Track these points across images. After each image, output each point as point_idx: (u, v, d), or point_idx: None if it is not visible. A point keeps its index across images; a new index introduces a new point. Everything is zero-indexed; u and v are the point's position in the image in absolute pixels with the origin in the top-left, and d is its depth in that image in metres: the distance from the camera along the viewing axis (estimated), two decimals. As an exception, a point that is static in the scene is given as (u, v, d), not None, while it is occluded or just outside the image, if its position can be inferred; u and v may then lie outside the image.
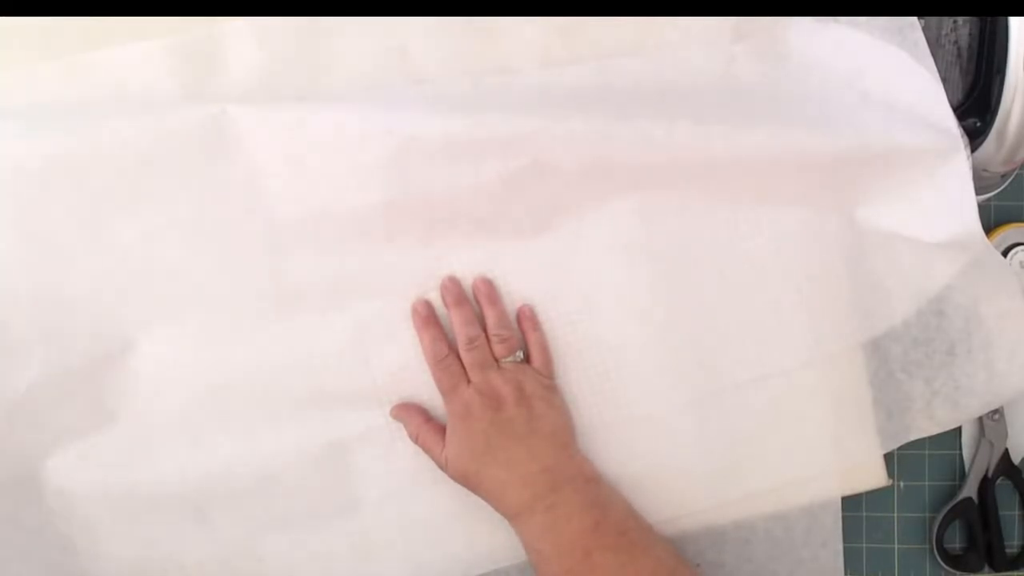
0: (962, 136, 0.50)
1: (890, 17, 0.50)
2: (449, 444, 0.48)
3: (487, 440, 0.47)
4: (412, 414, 0.49)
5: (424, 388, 0.50)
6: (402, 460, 0.51)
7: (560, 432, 0.48)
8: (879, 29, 0.50)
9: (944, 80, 0.50)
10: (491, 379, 0.48)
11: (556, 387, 0.50)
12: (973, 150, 0.52)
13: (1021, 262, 0.59)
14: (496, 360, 0.49)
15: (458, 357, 0.49)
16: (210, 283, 0.49)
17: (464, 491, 0.49)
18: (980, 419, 0.58)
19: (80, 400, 0.49)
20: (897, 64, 0.50)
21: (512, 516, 0.47)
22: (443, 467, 0.48)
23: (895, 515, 0.60)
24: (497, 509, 0.47)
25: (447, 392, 0.49)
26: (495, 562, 0.51)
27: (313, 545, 0.51)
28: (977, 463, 0.59)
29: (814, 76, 0.51)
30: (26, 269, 0.48)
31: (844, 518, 0.53)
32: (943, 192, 0.50)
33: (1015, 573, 0.59)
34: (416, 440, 0.49)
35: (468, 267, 0.51)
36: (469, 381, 0.48)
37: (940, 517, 0.59)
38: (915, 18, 0.50)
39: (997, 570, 0.59)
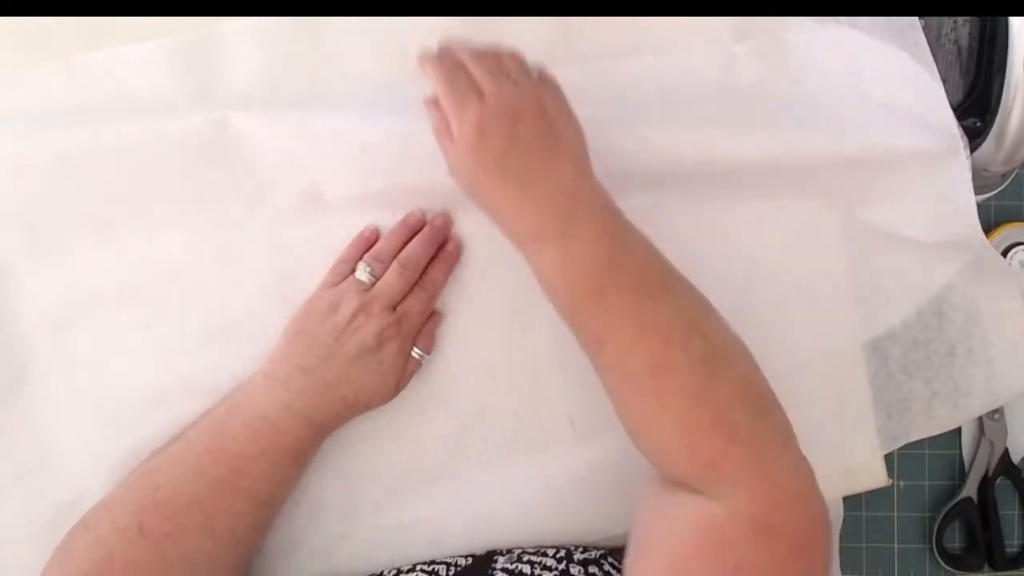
0: (962, 136, 0.50)
1: (890, 17, 0.50)
2: (460, 161, 0.43)
3: (503, 158, 0.41)
4: (434, 108, 0.44)
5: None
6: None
7: (581, 155, 0.43)
8: (879, 29, 0.50)
9: (944, 80, 0.50)
10: (507, 91, 0.42)
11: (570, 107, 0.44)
12: (973, 150, 0.52)
13: (1021, 262, 0.59)
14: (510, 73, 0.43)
15: (468, 73, 0.43)
16: (211, 283, 0.49)
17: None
18: (980, 419, 0.58)
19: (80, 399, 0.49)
20: (897, 65, 0.50)
21: (524, 243, 0.43)
22: (454, 177, 0.44)
23: (895, 515, 0.60)
24: (507, 234, 0.44)
25: (455, 109, 0.42)
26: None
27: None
28: (977, 463, 0.59)
29: (814, 76, 0.51)
30: (30, 267, 0.48)
31: (844, 518, 0.53)
32: (943, 192, 0.50)
33: (1015, 573, 0.59)
34: (436, 135, 0.44)
35: (467, 266, 0.51)
36: (481, 96, 0.42)
37: (940, 517, 0.59)
38: (915, 19, 0.50)
39: (997, 570, 0.59)
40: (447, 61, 0.43)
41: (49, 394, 0.49)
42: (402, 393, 0.50)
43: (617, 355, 0.41)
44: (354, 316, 0.46)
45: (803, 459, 0.40)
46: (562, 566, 0.45)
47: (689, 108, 0.51)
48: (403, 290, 0.48)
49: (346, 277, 0.49)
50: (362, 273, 0.48)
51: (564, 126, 0.43)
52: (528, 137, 0.42)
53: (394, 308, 0.48)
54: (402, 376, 0.49)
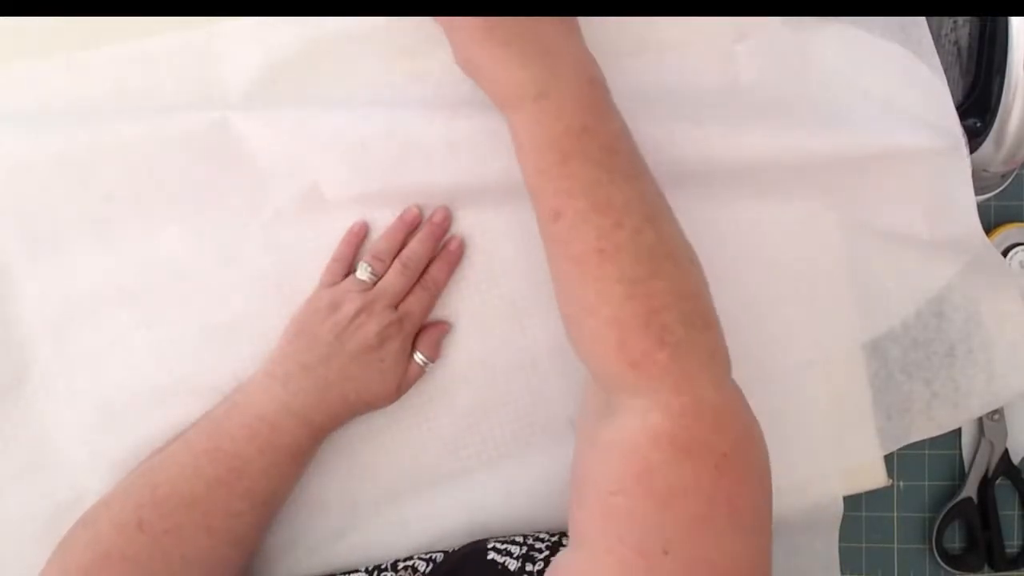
0: (962, 136, 0.50)
1: (891, 17, 0.50)
2: (453, 24, 0.43)
3: (487, 22, 0.42)
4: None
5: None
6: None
7: (569, 20, 0.43)
8: (881, 27, 0.50)
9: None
10: None
11: None
12: (973, 150, 0.52)
13: (1021, 262, 0.59)
14: None
15: None
16: (211, 283, 0.49)
17: None
18: (980, 419, 0.58)
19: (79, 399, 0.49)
20: (899, 63, 0.50)
21: (505, 102, 0.42)
22: (456, 58, 0.44)
23: (895, 515, 0.60)
24: (493, 99, 0.43)
25: None
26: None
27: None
28: (977, 463, 0.59)
29: (814, 75, 0.51)
30: (30, 267, 0.49)
31: (844, 518, 0.53)
32: (943, 192, 0.50)
33: (1015, 573, 0.59)
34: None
35: (469, 266, 0.51)
36: None
37: (940, 517, 0.59)
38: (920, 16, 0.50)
39: (997, 570, 0.59)
40: None
41: (49, 394, 0.49)
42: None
43: (567, 229, 0.40)
44: (356, 315, 0.46)
45: (730, 381, 0.39)
46: (555, 538, 0.45)
47: (689, 108, 0.51)
48: (404, 289, 0.48)
49: (343, 276, 0.49)
50: (363, 272, 0.48)
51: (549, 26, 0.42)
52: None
53: (396, 307, 0.48)
54: (403, 378, 0.49)
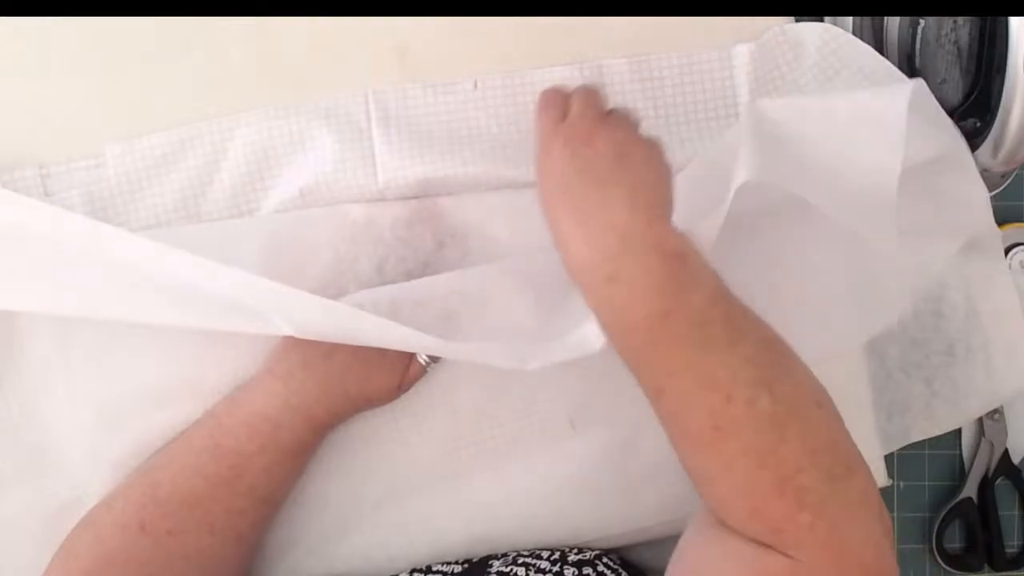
0: (962, 136, 0.50)
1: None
2: (536, 175, 0.41)
3: (564, 180, 0.39)
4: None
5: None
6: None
7: (645, 191, 0.39)
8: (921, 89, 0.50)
9: (944, 80, 0.50)
10: (588, 116, 0.41)
11: (663, 153, 0.42)
12: (973, 150, 0.52)
13: (1021, 262, 0.59)
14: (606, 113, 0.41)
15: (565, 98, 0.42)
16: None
17: None
18: (980, 419, 0.58)
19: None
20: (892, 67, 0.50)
21: (576, 278, 0.39)
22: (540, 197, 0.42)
23: (895, 515, 0.60)
24: (565, 267, 0.40)
25: (535, 123, 0.41)
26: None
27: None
28: (977, 463, 0.59)
29: (815, 75, 0.51)
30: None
31: (844, 518, 0.53)
32: (943, 190, 0.50)
33: (1015, 573, 0.59)
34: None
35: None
36: (562, 117, 0.41)
37: (940, 517, 0.59)
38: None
39: (997, 570, 0.59)
40: (556, 90, 0.43)
41: (49, 394, 0.49)
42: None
43: (677, 408, 0.38)
44: None
45: (881, 523, 0.37)
46: (556, 568, 0.44)
47: (689, 108, 0.51)
48: None
49: None
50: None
51: (639, 163, 0.40)
52: (591, 163, 0.39)
53: None
54: (405, 375, 0.48)
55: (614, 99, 0.50)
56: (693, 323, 0.37)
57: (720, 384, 0.36)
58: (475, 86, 0.50)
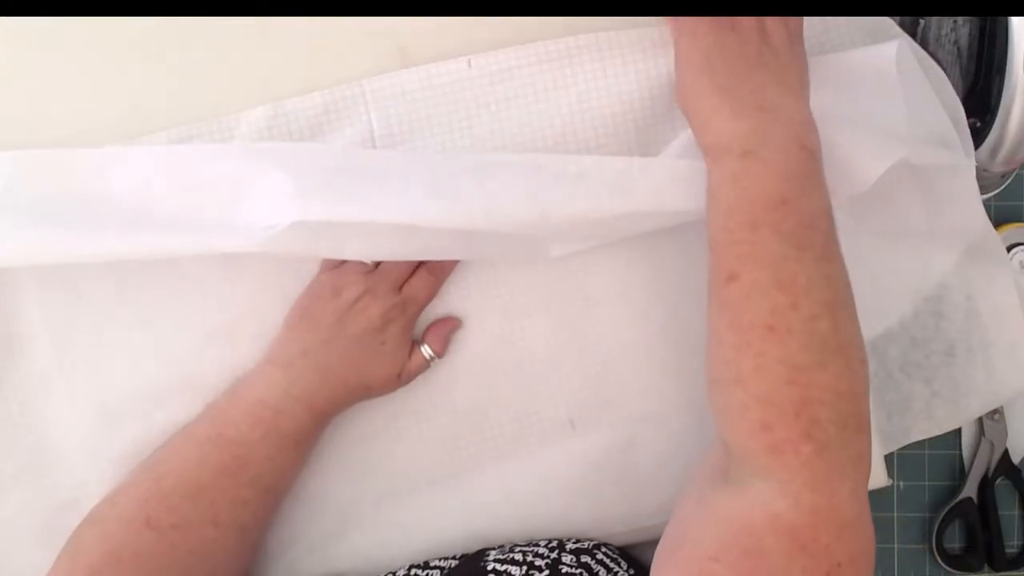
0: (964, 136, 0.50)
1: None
2: (676, 58, 0.42)
3: (708, 62, 0.40)
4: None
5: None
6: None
7: (792, 74, 0.41)
8: (878, 31, 0.50)
9: (944, 80, 0.50)
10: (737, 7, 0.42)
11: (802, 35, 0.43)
12: (973, 150, 0.52)
13: (1021, 262, 0.59)
14: None
15: None
16: (211, 282, 0.49)
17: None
18: (980, 419, 0.58)
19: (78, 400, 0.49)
20: (896, 64, 0.50)
21: (711, 152, 0.41)
22: (676, 90, 0.43)
23: (895, 515, 0.60)
24: (699, 142, 0.41)
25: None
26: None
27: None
28: (977, 463, 0.59)
29: (815, 75, 0.51)
30: (30, 266, 0.48)
31: (844, 518, 0.53)
32: (944, 189, 0.50)
33: (1015, 573, 0.59)
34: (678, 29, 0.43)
35: (469, 265, 0.51)
36: None
37: (940, 517, 0.59)
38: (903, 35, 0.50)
39: (997, 570, 0.59)
40: None
41: (49, 394, 0.49)
42: (402, 393, 0.50)
43: (741, 296, 0.38)
44: (358, 298, 0.46)
45: (864, 493, 0.37)
46: (554, 555, 0.45)
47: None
48: (407, 271, 0.48)
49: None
50: None
51: (785, 52, 0.41)
52: (739, 45, 0.40)
53: (399, 290, 0.48)
54: (405, 364, 0.48)
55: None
56: (802, 222, 0.38)
57: (795, 288, 0.37)
58: (469, 64, 0.49)
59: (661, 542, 0.39)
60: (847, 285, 0.39)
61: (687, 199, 0.44)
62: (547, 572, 0.43)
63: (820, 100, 0.43)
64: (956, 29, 0.54)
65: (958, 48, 0.54)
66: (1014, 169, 0.55)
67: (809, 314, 0.37)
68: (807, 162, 0.39)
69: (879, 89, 0.47)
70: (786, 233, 0.38)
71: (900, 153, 0.45)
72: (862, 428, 0.38)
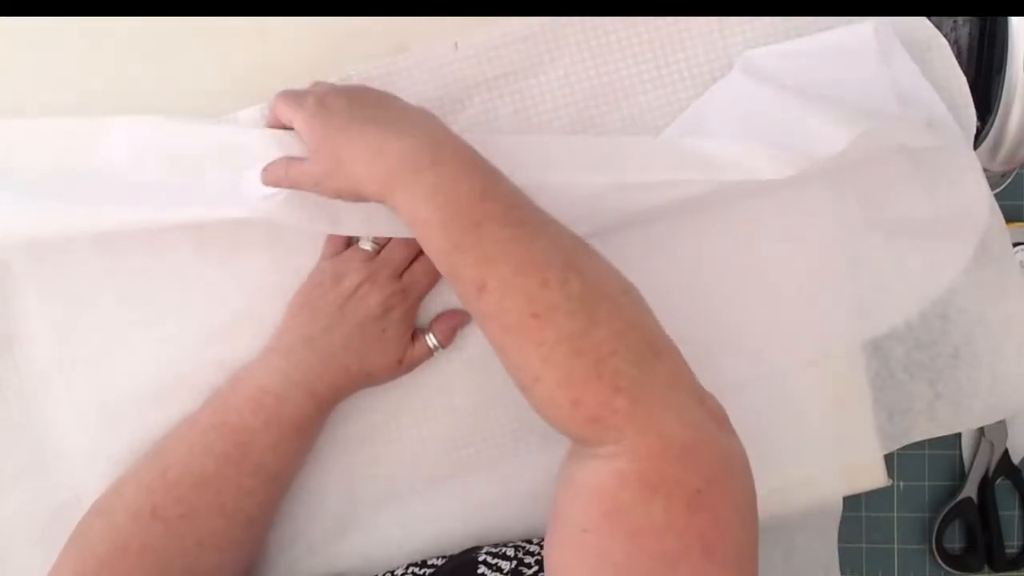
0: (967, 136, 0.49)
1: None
2: (311, 127, 0.42)
3: (349, 112, 0.42)
4: (277, 164, 0.45)
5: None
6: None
7: (415, 118, 0.43)
8: (884, 24, 0.50)
9: (944, 80, 0.50)
10: (336, 87, 0.45)
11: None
12: (973, 149, 0.52)
13: (1022, 262, 0.59)
14: None
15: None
16: (211, 282, 0.49)
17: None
18: (980, 419, 0.58)
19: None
20: (902, 63, 0.50)
21: (393, 185, 0.40)
22: (314, 177, 0.43)
23: (895, 515, 0.60)
24: (372, 186, 0.40)
25: (292, 102, 0.44)
26: None
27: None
28: (977, 463, 0.59)
29: (815, 74, 0.51)
30: (32, 265, 0.49)
31: (844, 518, 0.53)
32: (948, 192, 0.50)
33: (1015, 573, 0.59)
34: (287, 177, 0.44)
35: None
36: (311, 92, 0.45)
37: (940, 517, 0.59)
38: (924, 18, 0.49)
39: (997, 570, 0.59)
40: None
41: (49, 394, 0.49)
42: (402, 392, 0.50)
43: (497, 301, 0.38)
44: (359, 286, 0.47)
45: (699, 401, 0.37)
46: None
47: (687, 107, 0.51)
48: (408, 258, 0.48)
49: (345, 246, 0.49)
50: (365, 242, 0.48)
51: (382, 101, 0.44)
52: (369, 99, 0.43)
53: (400, 277, 0.48)
54: (407, 351, 0.48)
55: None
56: (507, 204, 0.40)
57: (536, 267, 0.38)
58: (455, 47, 0.49)
59: (547, 530, 0.40)
60: (572, 236, 0.40)
61: (676, 169, 0.46)
62: (535, 569, 0.43)
63: (796, 69, 0.44)
64: (956, 29, 0.54)
65: (958, 48, 0.54)
66: (1014, 169, 0.55)
67: (559, 283, 0.37)
68: (479, 155, 0.42)
69: (857, 65, 0.48)
70: (502, 218, 0.39)
71: (873, 123, 0.45)
72: (660, 351, 0.38)
